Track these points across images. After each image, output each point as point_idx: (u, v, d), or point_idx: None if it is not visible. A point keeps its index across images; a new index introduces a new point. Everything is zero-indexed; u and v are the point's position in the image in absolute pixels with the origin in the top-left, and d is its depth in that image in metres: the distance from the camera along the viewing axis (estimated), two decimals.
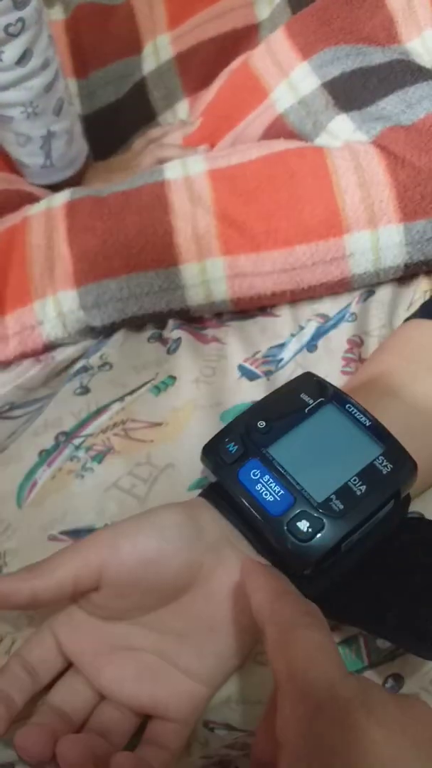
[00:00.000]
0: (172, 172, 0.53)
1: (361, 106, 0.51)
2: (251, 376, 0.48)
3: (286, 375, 0.48)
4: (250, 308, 0.53)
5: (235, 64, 0.63)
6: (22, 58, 0.56)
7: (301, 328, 0.51)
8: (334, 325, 0.50)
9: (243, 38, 0.66)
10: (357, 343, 0.49)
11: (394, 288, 0.51)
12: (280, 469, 0.33)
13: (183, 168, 0.53)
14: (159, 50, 0.70)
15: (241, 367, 0.49)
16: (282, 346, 0.50)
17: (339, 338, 0.49)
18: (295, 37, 0.57)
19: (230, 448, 0.34)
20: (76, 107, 0.73)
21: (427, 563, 0.33)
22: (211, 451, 0.35)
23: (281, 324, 0.52)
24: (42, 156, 0.62)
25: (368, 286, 0.51)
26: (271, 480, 0.33)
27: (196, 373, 0.48)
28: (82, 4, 0.76)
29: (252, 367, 0.49)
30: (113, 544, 0.33)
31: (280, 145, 0.51)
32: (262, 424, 0.35)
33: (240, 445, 0.34)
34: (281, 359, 0.49)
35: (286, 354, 0.49)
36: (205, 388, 0.47)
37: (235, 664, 0.34)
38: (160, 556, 0.32)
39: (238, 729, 0.35)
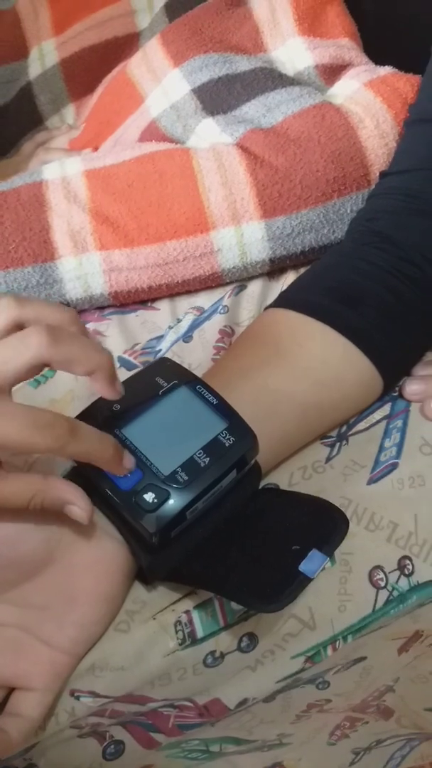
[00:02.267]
0: (50, 172, 0.54)
1: (226, 111, 0.54)
2: (130, 366, 0.50)
3: None
4: (130, 302, 0.54)
5: (114, 71, 0.65)
6: None
7: (179, 320, 0.53)
8: (208, 317, 0.53)
9: (125, 46, 0.68)
10: (228, 333, 0.51)
11: (264, 282, 0.54)
12: (132, 448, 0.35)
13: (60, 169, 0.54)
14: (44, 56, 0.71)
15: (120, 359, 0.50)
16: (160, 338, 0.52)
17: (212, 329, 0.51)
18: (168, 45, 0.59)
19: None
20: None
21: (271, 527, 0.36)
22: None
23: (160, 317, 0.54)
24: None
25: (239, 280, 0.54)
26: None
27: None
28: None
29: (131, 358, 0.51)
30: None
31: (151, 147, 0.53)
32: (117, 406, 0.36)
33: (96, 427, 0.36)
34: (159, 350, 0.51)
35: (163, 345, 0.51)
36: (84, 379, 0.48)
37: (97, 633, 0.35)
38: (18, 533, 0.33)
39: (103, 695, 0.36)
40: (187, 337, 0.52)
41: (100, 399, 0.38)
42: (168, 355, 0.51)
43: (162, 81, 0.58)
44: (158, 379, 0.38)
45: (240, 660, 0.38)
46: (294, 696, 0.42)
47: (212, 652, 0.37)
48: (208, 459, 0.34)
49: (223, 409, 0.36)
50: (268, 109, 0.52)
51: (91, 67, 0.69)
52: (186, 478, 0.34)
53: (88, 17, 0.68)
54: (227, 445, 0.35)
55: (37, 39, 0.71)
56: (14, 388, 0.49)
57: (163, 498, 0.33)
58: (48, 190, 0.52)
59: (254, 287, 0.54)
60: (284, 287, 0.55)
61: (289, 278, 0.55)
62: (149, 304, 0.55)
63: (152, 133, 0.57)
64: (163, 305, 0.55)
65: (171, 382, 0.38)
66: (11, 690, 0.34)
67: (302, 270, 0.55)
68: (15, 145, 0.72)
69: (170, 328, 0.53)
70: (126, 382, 0.39)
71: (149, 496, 0.33)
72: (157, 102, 0.57)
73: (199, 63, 0.56)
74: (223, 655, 0.38)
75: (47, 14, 0.70)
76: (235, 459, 0.35)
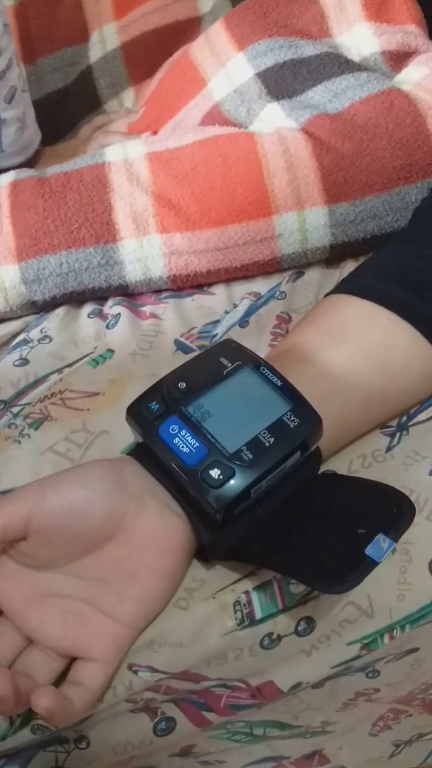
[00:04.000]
0: (113, 154, 0.54)
1: (291, 95, 0.54)
2: (186, 349, 0.50)
3: None
4: (187, 286, 0.55)
5: (176, 55, 0.65)
6: None
7: (235, 305, 0.53)
8: (265, 303, 0.53)
9: (186, 30, 0.68)
10: (285, 319, 0.51)
11: (322, 269, 0.54)
12: (197, 425, 0.35)
13: (123, 151, 0.54)
14: (105, 39, 0.71)
15: (177, 342, 0.51)
16: (216, 322, 0.52)
17: (269, 315, 0.51)
18: (233, 29, 0.59)
19: (152, 407, 0.36)
20: (29, 95, 0.74)
21: (334, 511, 0.36)
22: (135, 410, 0.37)
23: (216, 301, 0.54)
24: None
25: (298, 266, 0.54)
26: (188, 434, 0.35)
27: (133, 347, 0.50)
28: None
29: (188, 342, 0.51)
30: (40, 495, 0.34)
31: (215, 130, 0.53)
32: (182, 385, 0.37)
33: (161, 404, 0.36)
34: (215, 334, 0.51)
35: (219, 329, 0.52)
36: (142, 360, 0.49)
37: (156, 608, 0.36)
38: (86, 505, 0.34)
39: (161, 671, 0.37)
40: (243, 322, 0.52)
41: (167, 376, 0.38)
42: None
43: (226, 65, 0.58)
44: (222, 359, 0.38)
45: (296, 643, 0.38)
46: (343, 683, 0.42)
47: (269, 634, 0.37)
48: (272, 439, 0.34)
49: (288, 390, 0.36)
50: (335, 95, 0.52)
51: (152, 51, 0.69)
52: (251, 456, 0.34)
53: (150, 1, 0.69)
54: (292, 426, 0.35)
55: (98, 22, 0.71)
56: (74, 367, 0.50)
57: (228, 475, 0.33)
58: (111, 171, 0.52)
59: (312, 274, 0.54)
60: (343, 275, 0.55)
61: (348, 266, 0.54)
62: (205, 288, 0.55)
63: (215, 117, 0.57)
64: (220, 290, 0.55)
65: (235, 363, 0.38)
66: (73, 660, 0.35)
67: (362, 259, 0.54)
68: (73, 128, 0.73)
69: (226, 313, 0.53)
70: (191, 362, 0.40)
71: (215, 473, 0.33)
72: (220, 86, 0.57)
73: (264, 47, 0.56)
74: (280, 638, 0.38)
75: None
76: (300, 440, 0.35)
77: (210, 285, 0.55)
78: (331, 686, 0.42)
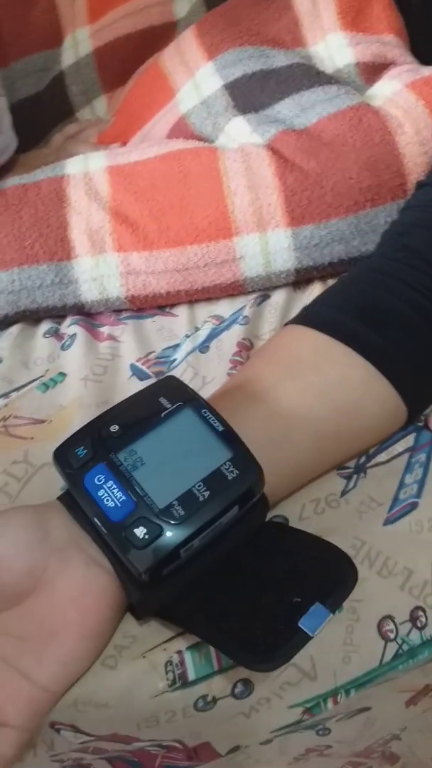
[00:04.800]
0: (73, 167, 0.51)
1: (258, 109, 0.50)
2: (142, 376, 0.47)
3: (176, 375, 0.47)
4: (147, 307, 0.51)
5: (148, 62, 0.61)
6: None
7: (197, 329, 0.50)
8: (227, 327, 0.49)
9: (161, 36, 0.64)
10: (246, 346, 0.47)
11: (289, 292, 0.50)
12: (126, 475, 0.31)
13: (84, 163, 0.51)
14: (78, 44, 0.67)
15: (133, 367, 0.47)
16: (176, 346, 0.49)
17: (230, 341, 0.48)
18: (203, 36, 0.55)
19: (79, 453, 0.32)
20: (4, 99, 0.70)
21: (273, 571, 0.32)
22: (61, 455, 0.33)
23: (177, 324, 0.50)
24: None
25: (263, 289, 0.50)
26: (114, 486, 0.31)
27: (86, 371, 0.46)
28: None
29: (144, 367, 0.47)
30: None
31: (179, 145, 0.49)
32: (115, 427, 0.33)
33: (89, 449, 0.32)
34: (174, 360, 0.48)
35: (179, 354, 0.48)
36: (94, 386, 0.46)
37: (80, 670, 0.33)
38: (2, 558, 0.31)
39: (85, 732, 0.34)
40: (203, 347, 0.48)
41: (99, 418, 0.35)
42: (182, 366, 0.47)
43: (194, 74, 0.54)
44: (162, 399, 0.35)
45: (233, 706, 0.35)
46: (292, 739, 0.39)
47: (204, 696, 0.34)
48: (207, 493, 0.31)
49: (229, 437, 0.33)
50: (302, 109, 0.48)
51: (126, 58, 0.65)
52: (182, 513, 0.30)
53: (125, 4, 0.64)
54: (230, 478, 0.31)
55: (72, 26, 0.67)
56: (22, 391, 0.47)
57: (155, 534, 0.30)
58: (69, 185, 0.49)
59: (278, 297, 0.50)
60: (310, 299, 0.51)
61: (315, 289, 0.51)
62: (167, 309, 0.52)
63: (181, 129, 0.53)
64: (182, 311, 0.51)
65: (175, 403, 0.34)
66: None
67: (330, 281, 0.51)
68: (46, 136, 0.69)
69: (187, 336, 0.49)
70: (128, 401, 0.36)
71: (140, 531, 0.30)
72: (188, 97, 0.54)
73: (233, 57, 0.52)
74: (215, 700, 0.34)
75: (83, 0, 0.67)
76: (237, 494, 0.31)
77: (172, 306, 0.52)
78: (279, 742, 0.39)
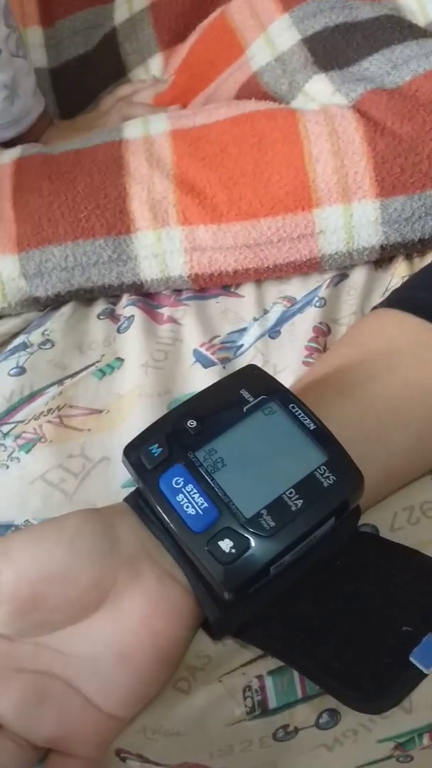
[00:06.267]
0: (132, 130, 0.48)
1: (342, 66, 0.46)
2: (206, 363, 0.44)
3: (244, 362, 0.44)
4: (212, 286, 0.48)
5: (211, 17, 0.57)
6: None
7: (266, 311, 0.47)
8: (300, 310, 0.46)
9: None
10: (323, 331, 0.44)
11: (370, 272, 0.47)
12: (207, 478, 0.28)
13: (144, 126, 0.47)
14: None
15: (196, 353, 0.44)
16: (243, 331, 0.46)
17: (304, 325, 0.44)
18: None
19: (153, 451, 0.29)
20: (36, 59, 0.66)
21: (371, 591, 0.29)
22: (133, 452, 0.30)
23: (244, 306, 0.47)
24: None
25: (341, 268, 0.47)
26: (195, 490, 0.28)
27: (146, 357, 0.44)
28: None
29: (208, 353, 0.44)
30: (13, 555, 0.28)
31: (251, 105, 0.45)
32: (192, 423, 0.30)
33: (165, 447, 0.30)
34: (241, 345, 0.45)
35: (246, 340, 0.45)
36: (154, 373, 0.43)
37: (150, 693, 0.30)
38: (67, 570, 0.28)
39: (153, 762, 0.31)
40: (274, 332, 0.45)
41: (175, 411, 0.32)
42: (251, 352, 0.44)
43: (267, 28, 0.50)
44: (243, 391, 0.31)
45: (316, 737, 0.32)
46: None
47: (285, 726, 0.31)
48: (301, 501, 0.28)
49: (323, 437, 0.29)
50: (394, 66, 0.44)
51: (184, 12, 0.61)
52: (273, 524, 0.27)
53: None
54: (326, 485, 0.28)
55: None
56: (77, 378, 0.44)
57: (242, 547, 0.27)
58: (128, 151, 0.45)
59: (357, 277, 0.47)
60: (394, 280, 0.47)
61: (400, 269, 0.47)
62: (232, 289, 0.49)
63: (252, 89, 0.49)
64: (248, 292, 0.48)
65: (258, 396, 0.31)
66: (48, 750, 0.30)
67: (417, 260, 0.47)
68: (95, 99, 0.66)
69: (255, 320, 0.46)
70: (205, 393, 0.33)
71: (226, 544, 0.27)
72: (259, 53, 0.50)
73: (312, 8, 0.48)
74: (297, 730, 0.31)
75: None
76: (336, 504, 0.28)
77: (237, 285, 0.48)
78: None
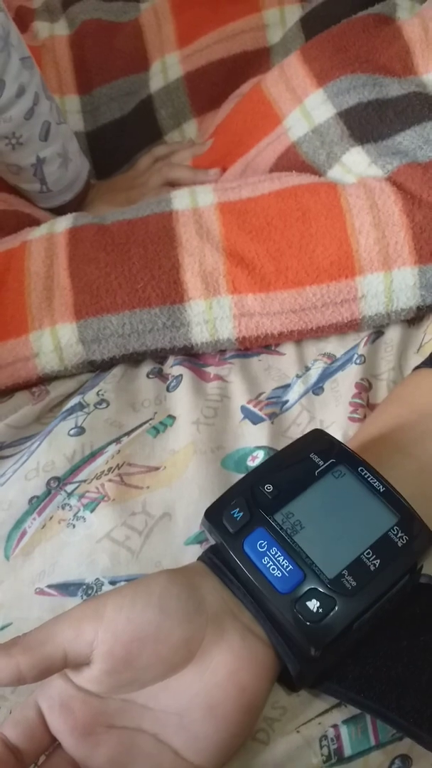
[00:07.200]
0: (180, 201, 0.51)
1: (377, 139, 0.50)
2: (255, 419, 0.47)
3: (291, 418, 0.47)
4: (255, 347, 0.51)
5: (246, 86, 0.62)
6: None
7: (307, 368, 0.50)
8: (341, 367, 0.49)
9: (253, 61, 0.65)
10: (365, 387, 0.47)
11: (404, 329, 0.50)
12: (288, 540, 0.31)
13: (191, 198, 0.51)
14: (167, 69, 0.68)
15: (244, 409, 0.47)
16: (287, 387, 0.49)
17: (346, 381, 0.48)
18: (311, 62, 0.55)
19: (235, 515, 0.32)
20: (73, 125, 0.71)
21: None
22: (215, 516, 0.33)
23: (286, 363, 0.50)
24: (37, 182, 0.60)
25: (377, 327, 0.50)
26: (278, 553, 0.31)
27: (197, 414, 0.46)
28: (87, 20, 0.75)
29: (255, 410, 0.47)
30: (107, 617, 0.31)
31: (293, 179, 0.49)
32: (269, 487, 0.33)
33: (246, 511, 0.32)
34: (286, 401, 0.48)
35: (291, 396, 0.48)
36: (206, 430, 0.46)
37: (236, 746, 0.32)
38: (159, 630, 0.31)
39: None
40: (317, 388, 0.48)
41: (251, 476, 0.34)
42: (296, 408, 0.47)
43: (303, 101, 0.54)
44: (313, 456, 0.34)
45: None
46: None
47: None
48: (378, 561, 0.31)
49: (392, 498, 0.32)
50: (426, 141, 0.48)
51: (217, 82, 0.66)
52: (354, 584, 0.30)
53: (216, 30, 0.66)
54: (400, 545, 0.31)
55: (159, 51, 0.68)
56: (133, 436, 0.47)
57: (329, 607, 0.30)
58: (179, 223, 0.49)
59: (392, 334, 0.50)
60: (426, 336, 0.50)
61: (431, 326, 0.50)
62: (273, 347, 0.52)
63: (291, 158, 0.53)
64: (289, 350, 0.51)
65: (328, 460, 0.34)
66: None
67: None
68: (131, 160, 0.70)
69: (298, 377, 0.49)
70: (277, 458, 0.36)
71: (313, 605, 0.30)
72: (296, 124, 0.54)
73: (346, 84, 0.52)
74: None
75: (171, 27, 0.68)
76: (411, 562, 0.31)
77: (278, 344, 0.51)
78: None
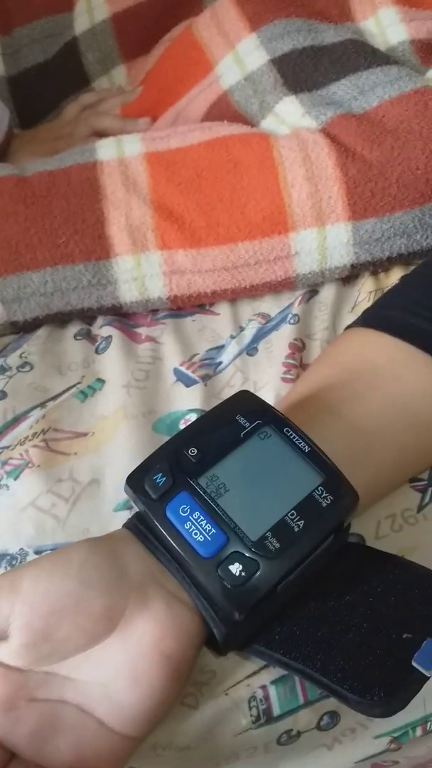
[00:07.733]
0: (106, 151, 0.49)
1: (311, 89, 0.48)
2: (187, 381, 0.46)
3: (224, 380, 0.46)
4: (188, 306, 0.50)
5: (177, 30, 0.59)
6: None
7: (242, 329, 0.49)
8: (275, 327, 0.48)
9: (185, 3, 0.62)
10: (299, 347, 0.47)
11: (338, 288, 0.50)
12: (212, 504, 0.31)
13: (118, 148, 0.49)
14: (93, 8, 0.64)
15: (176, 371, 0.46)
16: (221, 348, 0.48)
17: (280, 341, 0.47)
18: (244, 4, 0.53)
19: (157, 480, 0.32)
20: None
21: (367, 599, 0.32)
22: (137, 482, 0.32)
23: (220, 323, 0.50)
24: None
25: (312, 285, 0.49)
26: (201, 517, 0.30)
27: (128, 377, 0.45)
28: None
29: (188, 372, 0.46)
30: (24, 590, 0.30)
31: (224, 129, 0.48)
32: (193, 451, 0.32)
33: (168, 476, 0.32)
34: (220, 362, 0.47)
35: (225, 357, 0.47)
36: (137, 393, 0.45)
37: (163, 713, 0.32)
38: (78, 601, 0.30)
39: None
40: (251, 349, 0.47)
41: (175, 440, 0.34)
42: (230, 370, 0.47)
43: (236, 47, 0.52)
44: (239, 417, 0.34)
45: (316, 738, 0.35)
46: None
47: (288, 731, 0.34)
48: (302, 522, 0.30)
49: (317, 458, 0.32)
50: (361, 92, 0.47)
51: (147, 25, 0.63)
52: (278, 545, 0.30)
53: None
54: (324, 505, 0.31)
55: None
56: (59, 400, 0.45)
57: (252, 570, 0.29)
58: (103, 174, 0.47)
59: (327, 293, 0.50)
60: (361, 295, 0.50)
61: (366, 284, 0.50)
62: (207, 307, 0.51)
63: (223, 107, 0.51)
64: (223, 309, 0.50)
65: (254, 421, 0.33)
66: None
67: (381, 276, 0.50)
68: (56, 108, 0.66)
69: (232, 337, 0.48)
70: (202, 421, 0.35)
71: (235, 568, 0.29)
72: (229, 71, 0.52)
73: (279, 29, 0.50)
74: (299, 733, 0.35)
75: None
76: (335, 523, 0.31)
77: (212, 303, 0.50)
78: None
